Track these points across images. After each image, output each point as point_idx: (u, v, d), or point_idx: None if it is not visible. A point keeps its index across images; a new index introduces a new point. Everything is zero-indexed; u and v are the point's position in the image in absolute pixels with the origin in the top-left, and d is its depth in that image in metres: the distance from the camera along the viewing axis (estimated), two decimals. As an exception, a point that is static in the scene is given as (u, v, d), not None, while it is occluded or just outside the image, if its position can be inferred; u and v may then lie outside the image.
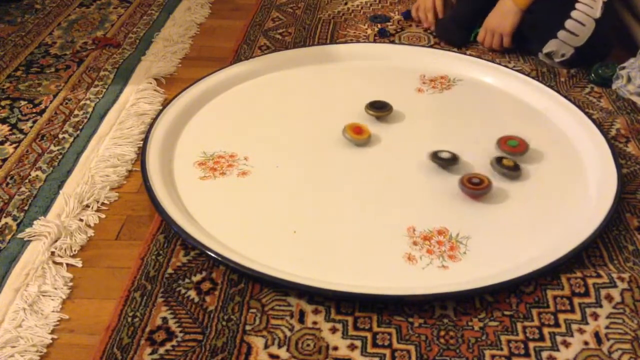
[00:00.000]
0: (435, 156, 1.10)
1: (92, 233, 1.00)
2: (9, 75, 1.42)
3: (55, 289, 0.89)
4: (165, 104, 1.26)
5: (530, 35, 1.43)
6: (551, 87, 1.31)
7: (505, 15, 1.42)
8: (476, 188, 1.03)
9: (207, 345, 0.80)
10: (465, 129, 1.21)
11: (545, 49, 1.37)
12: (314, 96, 1.33)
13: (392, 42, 1.54)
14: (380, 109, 1.22)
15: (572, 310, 0.85)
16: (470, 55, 1.45)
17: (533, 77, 1.35)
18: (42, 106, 1.31)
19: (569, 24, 1.32)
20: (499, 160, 1.09)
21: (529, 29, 1.42)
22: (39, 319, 0.85)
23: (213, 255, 0.90)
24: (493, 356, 0.79)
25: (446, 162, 1.10)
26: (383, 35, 1.55)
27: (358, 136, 1.16)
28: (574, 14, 1.31)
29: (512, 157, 1.10)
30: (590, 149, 1.13)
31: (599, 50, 1.36)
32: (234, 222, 1.00)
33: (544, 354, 0.79)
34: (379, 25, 1.62)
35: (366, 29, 1.61)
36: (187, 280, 0.90)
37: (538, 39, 1.40)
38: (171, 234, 0.97)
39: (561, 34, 1.33)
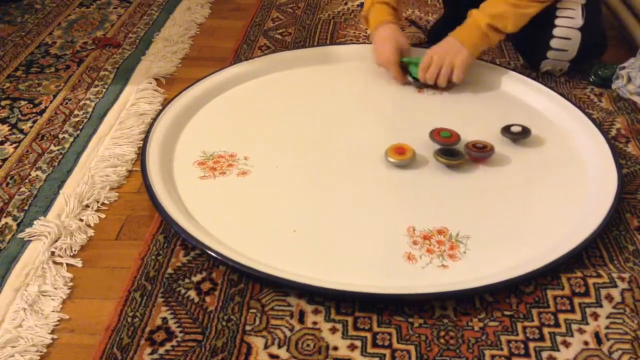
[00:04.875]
0: (507, 130, 1.16)
1: (92, 233, 1.00)
2: (9, 75, 1.42)
3: (55, 289, 0.89)
4: (165, 104, 1.26)
5: (525, 57, 1.43)
6: (551, 87, 1.31)
7: (457, 47, 1.26)
8: (481, 151, 1.09)
9: (207, 346, 0.80)
10: (466, 129, 1.21)
11: (542, 69, 1.37)
12: (313, 96, 1.33)
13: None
14: (451, 157, 1.10)
15: (572, 310, 0.85)
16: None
17: (533, 78, 1.35)
18: (42, 106, 1.31)
19: (554, 42, 1.30)
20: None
21: (521, 52, 1.43)
22: (39, 319, 0.85)
23: (213, 254, 0.90)
24: (493, 356, 0.79)
25: (518, 135, 1.16)
26: None
27: (401, 157, 1.09)
28: (556, 31, 1.29)
29: (446, 146, 1.12)
30: (590, 149, 1.13)
31: (595, 51, 1.35)
32: (234, 222, 1.00)
33: (544, 354, 0.79)
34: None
35: (366, 29, 1.61)
36: (187, 280, 0.90)
37: (530, 62, 1.40)
38: (171, 234, 0.97)
39: (550, 53, 1.32)
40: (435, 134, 1.14)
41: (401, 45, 1.33)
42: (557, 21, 1.29)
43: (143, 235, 0.98)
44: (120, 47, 1.55)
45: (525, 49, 1.42)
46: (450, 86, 1.33)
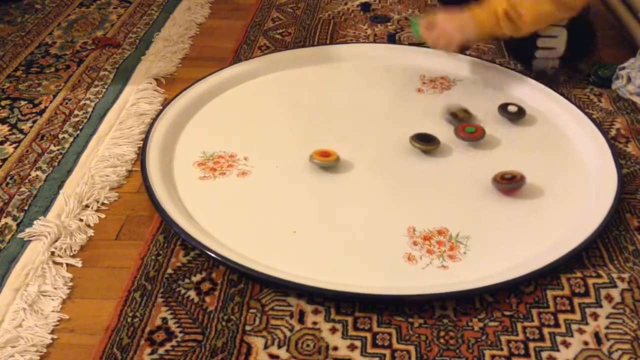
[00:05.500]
0: (504, 109, 1.21)
1: (92, 233, 1.00)
2: (9, 75, 1.42)
3: (55, 289, 0.89)
4: (165, 104, 1.26)
5: (516, 60, 1.43)
6: (551, 87, 1.31)
7: (463, 26, 1.25)
8: (510, 182, 1.04)
9: (207, 346, 0.80)
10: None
11: (535, 69, 1.37)
12: (313, 96, 1.33)
13: (393, 41, 1.54)
14: (427, 142, 1.13)
15: (572, 311, 0.85)
16: (470, 55, 1.45)
17: (533, 77, 1.35)
18: (42, 106, 1.31)
19: (541, 42, 1.31)
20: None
21: (512, 55, 1.43)
22: (39, 319, 0.85)
23: (213, 255, 0.90)
24: (493, 356, 0.79)
25: (514, 115, 1.20)
26: (391, 40, 1.54)
27: (326, 159, 1.09)
28: (540, 30, 1.29)
29: (471, 142, 1.15)
30: (590, 149, 1.13)
31: (584, 43, 1.35)
32: (234, 222, 1.00)
33: (544, 354, 0.79)
34: (379, 26, 1.62)
35: (366, 29, 1.61)
36: (187, 280, 0.90)
37: (522, 62, 1.41)
38: (171, 234, 0.97)
39: (539, 52, 1.32)
40: (460, 130, 1.15)
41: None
42: None
43: (143, 235, 0.98)
44: (120, 47, 1.54)
45: (514, 51, 1.43)
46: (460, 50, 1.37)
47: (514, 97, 1.31)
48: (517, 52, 1.42)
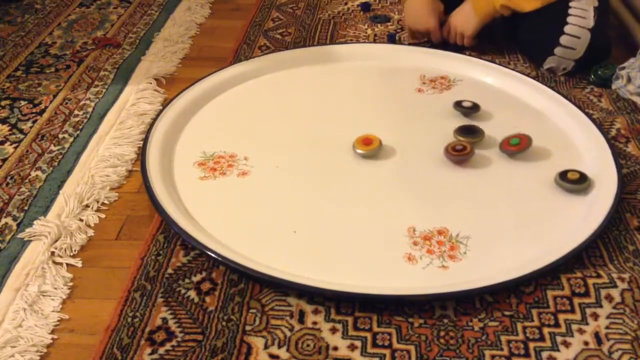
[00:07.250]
0: (458, 105, 1.23)
1: (92, 233, 1.00)
2: (9, 75, 1.42)
3: (55, 289, 0.89)
4: (165, 104, 1.26)
5: (528, 53, 1.43)
6: (551, 87, 1.31)
7: (468, 18, 1.41)
8: (460, 154, 1.09)
9: (207, 346, 0.80)
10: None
11: (546, 65, 1.37)
12: (313, 96, 1.33)
13: (393, 41, 1.54)
14: (471, 134, 1.15)
15: (572, 311, 0.85)
16: (470, 55, 1.45)
17: (533, 77, 1.35)
18: (42, 106, 1.31)
19: (564, 39, 1.30)
20: (563, 175, 1.06)
21: (525, 47, 1.43)
22: (39, 319, 0.85)
23: (213, 255, 0.90)
24: (493, 356, 0.79)
25: (469, 110, 1.22)
26: (391, 40, 1.54)
27: (368, 147, 1.13)
28: (567, 28, 1.29)
29: (519, 154, 1.12)
30: (591, 149, 1.13)
31: (599, 55, 1.35)
32: (234, 222, 1.00)
33: (544, 354, 0.79)
34: (379, 26, 1.62)
35: (366, 29, 1.61)
36: (187, 280, 0.90)
37: (536, 57, 1.40)
38: (171, 234, 0.97)
39: (558, 50, 1.32)
40: (505, 144, 1.13)
41: (439, 10, 1.46)
42: (570, 19, 1.30)
43: (143, 235, 0.98)
44: (120, 47, 1.55)
45: (532, 42, 1.41)
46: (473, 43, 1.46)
47: (513, 97, 1.31)
48: (534, 45, 1.40)
